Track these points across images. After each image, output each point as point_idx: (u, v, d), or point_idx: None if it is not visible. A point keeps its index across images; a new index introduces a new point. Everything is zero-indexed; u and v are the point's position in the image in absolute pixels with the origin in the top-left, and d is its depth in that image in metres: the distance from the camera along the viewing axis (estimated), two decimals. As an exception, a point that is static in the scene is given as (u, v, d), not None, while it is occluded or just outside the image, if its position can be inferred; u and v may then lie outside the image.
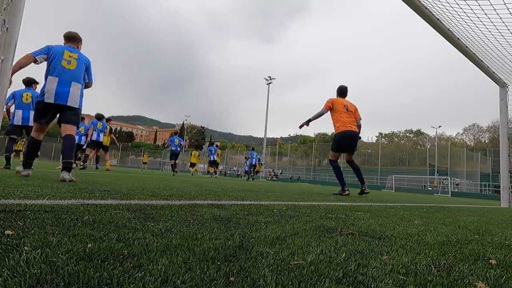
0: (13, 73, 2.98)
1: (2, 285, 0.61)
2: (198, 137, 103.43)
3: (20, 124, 6.08)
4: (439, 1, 4.39)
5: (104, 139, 9.94)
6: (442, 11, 4.70)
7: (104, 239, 0.99)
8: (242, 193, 3.84)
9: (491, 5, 4.12)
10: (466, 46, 5.64)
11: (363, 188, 5.82)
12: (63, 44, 4.03)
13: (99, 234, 1.05)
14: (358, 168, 5.95)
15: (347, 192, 5.55)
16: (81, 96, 3.96)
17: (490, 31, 4.85)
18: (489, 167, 33.39)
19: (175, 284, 0.68)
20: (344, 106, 5.76)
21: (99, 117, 10.05)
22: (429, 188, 26.53)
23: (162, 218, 1.47)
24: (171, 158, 13.89)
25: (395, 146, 52.52)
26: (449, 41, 5.43)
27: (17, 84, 5.93)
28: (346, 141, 5.71)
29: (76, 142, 9.10)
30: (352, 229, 1.62)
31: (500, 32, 4.83)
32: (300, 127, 6.00)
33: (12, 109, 6.19)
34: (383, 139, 64.84)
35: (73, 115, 3.88)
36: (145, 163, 34.62)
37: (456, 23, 4.95)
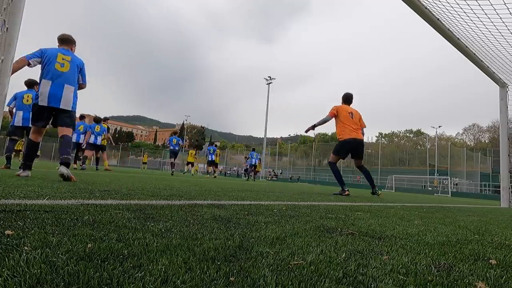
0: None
1: (2, 285, 0.61)
2: (198, 137, 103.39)
3: (21, 125, 6.12)
4: (439, 1, 4.39)
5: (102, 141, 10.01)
6: (442, 11, 4.70)
7: (104, 239, 0.99)
8: (242, 193, 3.84)
9: (491, 5, 4.12)
10: (466, 46, 5.64)
11: (374, 191, 5.92)
12: (57, 47, 4.07)
13: (99, 234, 1.05)
14: (368, 173, 6.05)
15: (347, 192, 5.57)
16: (75, 98, 4.00)
17: (490, 31, 4.85)
18: (489, 167, 33.39)
19: (175, 284, 0.68)
20: (349, 113, 5.82)
21: (97, 120, 10.08)
22: (429, 188, 26.55)
23: (162, 218, 1.47)
24: (170, 157, 14.41)
25: (395, 146, 52.52)
26: (449, 41, 5.43)
27: (19, 85, 5.97)
28: (349, 148, 5.80)
29: (75, 140, 9.19)
30: (352, 229, 1.62)
31: (500, 32, 4.83)
32: (306, 131, 6.17)
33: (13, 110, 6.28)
34: (383, 139, 64.84)
35: (67, 117, 3.94)
36: (145, 163, 34.62)
37: (456, 23, 4.95)
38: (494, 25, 4.62)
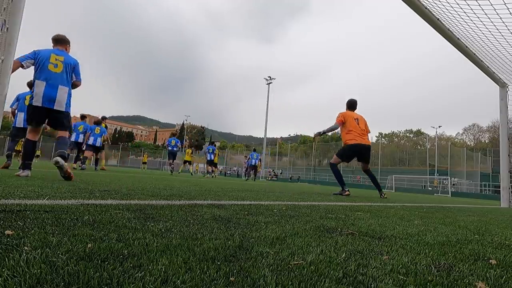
0: None
1: (2, 285, 0.61)
2: (198, 137, 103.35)
3: (22, 126, 6.17)
4: (439, 1, 4.39)
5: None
6: (442, 11, 4.70)
7: (104, 239, 0.99)
8: (242, 193, 3.84)
9: (491, 5, 4.12)
10: (466, 46, 5.64)
11: (381, 194, 5.98)
12: (52, 47, 4.11)
13: (99, 234, 1.05)
14: (374, 177, 6.12)
15: (347, 192, 5.58)
16: (69, 98, 4.05)
17: (490, 31, 4.85)
18: (489, 167, 33.40)
19: (175, 284, 0.68)
20: (355, 119, 5.89)
21: (97, 122, 10.09)
22: (429, 188, 26.55)
23: (162, 218, 1.47)
24: (169, 158, 14.67)
25: (395, 146, 52.50)
26: (449, 41, 5.43)
27: (20, 85, 6.00)
28: (354, 153, 5.89)
29: (74, 139, 9.22)
30: (352, 229, 1.62)
31: (500, 32, 4.83)
32: (314, 139, 6.48)
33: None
34: (383, 139, 64.81)
35: (62, 119, 4.01)
36: (145, 163, 34.62)
37: (456, 23, 4.95)
38: (494, 25, 4.62)
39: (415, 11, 4.68)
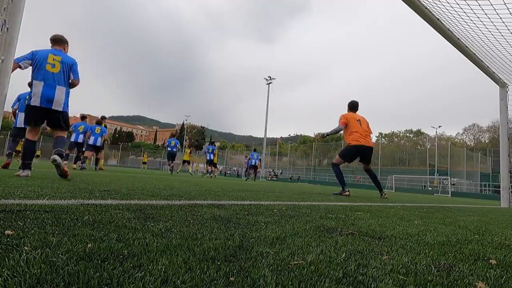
0: None
1: (2, 285, 0.61)
2: (198, 137, 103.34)
3: (23, 126, 6.18)
4: (439, 1, 4.39)
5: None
6: (442, 11, 4.70)
7: (104, 239, 0.99)
8: (242, 193, 3.84)
9: (491, 5, 4.12)
10: (466, 46, 5.64)
11: (382, 194, 6.00)
12: (50, 47, 4.14)
13: (99, 234, 1.05)
14: (375, 176, 6.15)
15: (347, 192, 5.59)
16: (66, 98, 4.09)
17: (490, 31, 4.85)
18: (489, 167, 33.40)
19: (175, 284, 0.68)
20: (357, 120, 5.92)
21: (99, 122, 10.12)
22: (429, 188, 26.55)
23: (162, 218, 1.47)
24: (168, 159, 14.90)
25: (395, 146, 52.49)
26: (449, 41, 5.43)
27: (21, 85, 6.02)
28: (357, 154, 5.91)
29: (74, 140, 9.25)
30: (352, 229, 1.62)
31: (500, 32, 4.83)
32: (318, 140, 6.58)
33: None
34: (383, 139, 64.80)
35: (60, 119, 4.06)
36: (145, 163, 34.61)
37: (456, 23, 4.95)
38: (494, 25, 4.62)
39: (415, 11, 4.68)
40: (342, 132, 6.09)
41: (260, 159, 19.02)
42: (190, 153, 18.59)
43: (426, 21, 4.90)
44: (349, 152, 5.90)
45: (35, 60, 3.86)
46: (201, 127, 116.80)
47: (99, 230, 1.11)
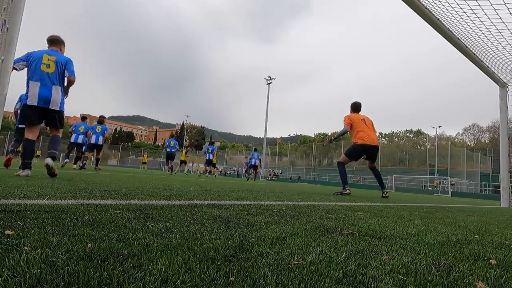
0: None
1: (2, 285, 0.61)
2: (198, 137, 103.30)
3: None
4: (439, 1, 4.39)
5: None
6: (442, 11, 4.70)
7: (104, 239, 0.99)
8: (242, 193, 3.84)
9: (491, 5, 4.12)
10: (466, 46, 5.64)
11: (383, 192, 6.01)
12: (47, 48, 4.20)
13: (99, 234, 1.05)
14: (379, 174, 6.19)
15: (347, 191, 5.60)
16: (62, 97, 4.16)
17: (490, 31, 4.85)
18: (489, 167, 33.41)
19: (175, 284, 0.68)
20: (362, 120, 5.98)
21: (100, 121, 10.12)
22: (429, 188, 26.56)
23: (162, 218, 1.47)
24: (167, 159, 15.06)
25: (395, 146, 52.50)
26: (449, 41, 5.43)
27: (21, 86, 6.04)
28: (363, 152, 5.95)
29: (74, 140, 9.27)
30: (352, 229, 1.62)
31: (500, 32, 4.83)
32: (324, 144, 6.87)
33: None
34: (383, 139, 64.79)
35: (56, 118, 4.14)
36: (145, 163, 34.60)
37: (456, 23, 4.95)
38: (494, 25, 4.62)
39: (415, 11, 4.68)
40: (348, 133, 6.13)
41: (260, 159, 19.05)
42: (187, 153, 18.70)
43: (426, 21, 4.90)
44: (355, 151, 5.93)
45: (30, 61, 3.92)
46: (201, 127, 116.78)
47: (99, 230, 1.11)
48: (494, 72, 6.59)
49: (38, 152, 24.03)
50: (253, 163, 17.31)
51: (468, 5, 4.23)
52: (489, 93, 8.30)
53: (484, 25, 4.67)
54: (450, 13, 4.62)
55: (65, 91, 4.25)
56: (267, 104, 35.14)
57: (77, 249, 0.85)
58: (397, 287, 0.81)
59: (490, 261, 1.16)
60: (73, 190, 2.43)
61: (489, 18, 4.44)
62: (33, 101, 3.87)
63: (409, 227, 1.90)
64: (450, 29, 5.16)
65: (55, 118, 4.11)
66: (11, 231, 0.98)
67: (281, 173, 42.63)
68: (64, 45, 4.37)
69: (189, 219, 1.53)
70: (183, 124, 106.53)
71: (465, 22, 4.75)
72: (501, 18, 4.38)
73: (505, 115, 6.92)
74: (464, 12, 4.44)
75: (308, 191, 6.69)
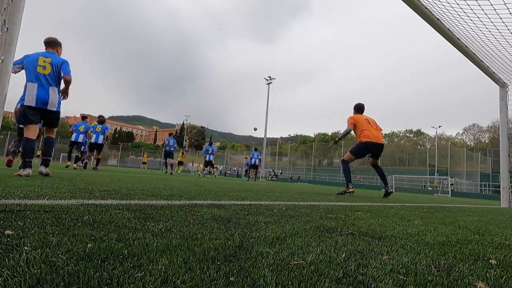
0: None
1: (2, 285, 0.61)
2: (198, 137, 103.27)
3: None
4: (439, 1, 4.39)
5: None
6: (442, 11, 4.70)
7: (104, 239, 0.99)
8: (242, 193, 3.84)
9: (491, 5, 4.11)
10: (466, 46, 5.64)
11: (387, 189, 6.03)
12: (44, 50, 4.26)
13: (99, 234, 1.05)
14: (382, 171, 6.21)
15: (351, 189, 5.62)
16: (59, 97, 4.24)
17: (490, 31, 4.84)
18: (489, 167, 33.40)
19: (175, 284, 0.68)
20: (365, 120, 6.02)
21: (101, 121, 10.13)
22: (429, 188, 26.55)
23: (162, 218, 1.47)
24: (165, 157, 15.17)
25: (395, 146, 52.49)
26: (449, 41, 5.43)
27: (21, 86, 6.05)
28: (368, 150, 5.99)
29: (74, 139, 9.30)
30: (352, 229, 1.62)
31: (500, 32, 4.83)
32: (330, 146, 7.74)
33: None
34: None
35: (53, 118, 4.25)
36: (144, 163, 34.58)
37: (456, 23, 4.95)
38: (494, 25, 4.62)
39: (415, 11, 4.68)
40: (353, 132, 6.16)
41: (260, 159, 19.06)
42: (183, 153, 18.85)
43: (426, 21, 4.90)
44: (360, 149, 5.95)
45: (26, 63, 4.00)
46: (201, 127, 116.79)
47: (99, 230, 1.11)
48: (494, 72, 6.59)
49: (38, 152, 24.01)
50: (253, 162, 17.32)
51: (468, 5, 4.23)
52: (489, 93, 8.31)
53: (484, 25, 4.67)
54: (450, 13, 4.62)
55: (65, 92, 4.27)
56: (267, 104, 35.15)
57: (77, 249, 0.85)
58: (397, 287, 0.81)
59: (490, 261, 1.16)
60: (73, 190, 2.43)
61: (489, 18, 4.44)
62: (31, 102, 3.95)
63: (409, 227, 1.90)
64: (450, 29, 5.16)
65: (52, 118, 4.21)
66: (11, 231, 0.98)
67: (281, 173, 42.63)
68: (61, 47, 4.43)
69: (189, 219, 1.53)
70: (183, 124, 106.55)
71: (465, 22, 4.75)
72: (501, 18, 4.38)
73: (505, 115, 6.92)
74: (464, 12, 4.44)
75: (308, 191, 6.69)
